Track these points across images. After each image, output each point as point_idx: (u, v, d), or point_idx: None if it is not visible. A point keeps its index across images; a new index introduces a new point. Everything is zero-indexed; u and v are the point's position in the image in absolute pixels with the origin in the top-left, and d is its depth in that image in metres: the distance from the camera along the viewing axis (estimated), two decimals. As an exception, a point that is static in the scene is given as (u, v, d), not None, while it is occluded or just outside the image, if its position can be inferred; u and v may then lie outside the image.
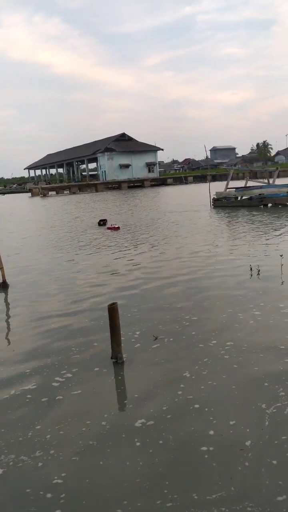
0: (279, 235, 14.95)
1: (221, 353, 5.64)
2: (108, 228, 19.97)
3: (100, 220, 22.87)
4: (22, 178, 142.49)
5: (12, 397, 4.88)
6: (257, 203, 26.20)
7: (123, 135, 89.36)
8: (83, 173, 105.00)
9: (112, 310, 5.58)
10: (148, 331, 6.57)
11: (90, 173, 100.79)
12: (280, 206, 25.31)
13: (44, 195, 67.14)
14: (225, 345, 5.90)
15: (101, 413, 4.46)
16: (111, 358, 5.62)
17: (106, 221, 22.67)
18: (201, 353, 5.70)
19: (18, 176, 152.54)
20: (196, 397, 4.56)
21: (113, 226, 20.29)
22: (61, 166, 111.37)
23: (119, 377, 5.26)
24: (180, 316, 7.20)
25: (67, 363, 5.67)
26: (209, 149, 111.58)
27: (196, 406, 4.38)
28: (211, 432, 3.91)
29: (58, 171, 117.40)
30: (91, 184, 76.66)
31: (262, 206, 25.90)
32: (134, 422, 4.16)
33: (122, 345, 5.72)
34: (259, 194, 26.58)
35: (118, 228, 19.80)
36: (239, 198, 28.11)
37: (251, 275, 9.32)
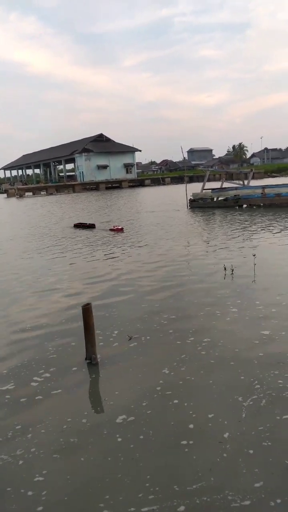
0: (253, 235, 15.26)
1: (198, 349, 5.77)
2: (111, 230, 18.83)
3: (81, 223, 21.87)
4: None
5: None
6: (232, 204, 26.64)
7: (101, 135, 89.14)
8: (60, 174, 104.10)
9: (86, 310, 5.58)
10: (125, 331, 6.61)
11: (68, 173, 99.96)
12: (254, 207, 25.81)
13: (21, 196, 66.24)
14: (202, 342, 6.03)
15: (81, 411, 4.50)
16: (85, 359, 5.62)
17: (94, 225, 21.05)
18: (179, 350, 5.80)
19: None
20: (175, 393, 4.64)
21: (116, 227, 19.09)
22: (37, 166, 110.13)
23: (96, 377, 5.27)
24: (158, 315, 7.27)
25: (44, 363, 5.65)
26: (186, 150, 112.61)
27: (175, 401, 4.47)
28: (191, 426, 4.00)
29: (35, 172, 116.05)
30: (68, 185, 76.11)
31: (237, 207, 26.35)
32: (114, 419, 4.20)
33: (101, 344, 5.76)
34: (235, 195, 27.04)
35: (122, 229, 18.74)
36: (215, 199, 28.52)
37: (225, 274, 9.51)
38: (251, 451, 3.57)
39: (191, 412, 4.23)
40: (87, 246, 15.22)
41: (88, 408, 4.53)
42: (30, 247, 16.11)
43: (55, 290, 9.45)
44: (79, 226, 21.43)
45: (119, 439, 3.87)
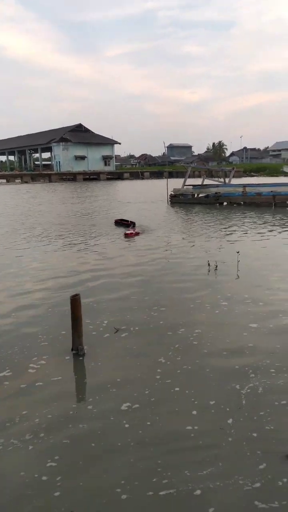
0: (234, 232, 15.61)
1: (190, 340, 5.95)
2: (126, 235, 14.76)
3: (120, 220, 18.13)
4: None
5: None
6: (213, 201, 27.02)
7: (80, 126, 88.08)
8: (36, 163, 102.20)
9: (74, 301, 5.61)
10: (116, 322, 6.66)
11: (44, 162, 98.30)
12: (235, 205, 26.28)
13: (-6, 183, 64.80)
14: (194, 332, 6.22)
15: (86, 398, 4.59)
16: (72, 350, 5.59)
17: (133, 224, 16.80)
18: (171, 340, 5.96)
19: None
20: (174, 381, 4.79)
21: (131, 231, 15.07)
22: (12, 153, 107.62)
23: (93, 366, 5.29)
24: (147, 307, 7.39)
25: (37, 350, 5.67)
26: (166, 146, 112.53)
27: (177, 389, 4.62)
28: (194, 412, 4.16)
29: (9, 159, 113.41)
30: (44, 174, 74.81)
31: (218, 204, 26.75)
32: (119, 406, 4.29)
33: (94, 333, 5.86)
34: (216, 193, 27.42)
35: (138, 233, 15.15)
36: (196, 196, 28.85)
37: (209, 270, 9.74)
38: (254, 434, 3.76)
39: (193, 399, 4.39)
40: (71, 236, 15.17)
41: (92, 396, 4.60)
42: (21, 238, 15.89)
43: (43, 275, 9.44)
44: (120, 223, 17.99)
45: (126, 425, 3.98)
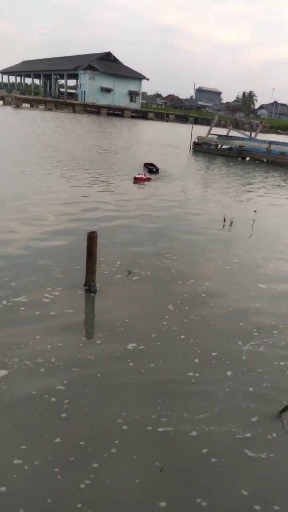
0: (254, 190, 15.36)
1: (199, 292, 6.10)
2: (136, 180, 14.13)
3: (147, 164, 17.17)
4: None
5: (5, 308, 5.05)
6: (236, 155, 26.30)
7: (109, 54, 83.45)
8: (61, 89, 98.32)
9: (91, 238, 5.70)
10: (128, 264, 6.77)
11: (69, 90, 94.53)
12: (257, 161, 25.58)
13: (17, 106, 62.85)
14: (203, 285, 6.36)
15: (95, 333, 4.83)
16: (84, 285, 5.75)
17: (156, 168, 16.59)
18: (181, 289, 6.10)
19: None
20: (180, 329, 4.98)
21: (141, 175, 14.47)
22: (38, 76, 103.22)
23: (104, 304, 5.48)
24: (161, 253, 7.52)
25: (51, 281, 5.85)
26: (195, 88, 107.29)
27: (182, 336, 4.82)
28: (196, 360, 4.37)
29: (34, 82, 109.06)
30: (68, 103, 72.22)
31: (240, 158, 26.06)
32: (126, 345, 4.52)
33: (106, 272, 6.04)
34: (240, 146, 26.60)
35: (149, 179, 14.60)
36: (219, 147, 28.03)
37: (224, 225, 9.75)
38: (251, 389, 3.99)
39: (196, 348, 4.60)
40: (91, 171, 15.01)
41: (100, 332, 4.82)
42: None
43: (61, 210, 9.51)
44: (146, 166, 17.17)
45: (131, 364, 4.22)
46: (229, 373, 4.21)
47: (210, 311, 5.56)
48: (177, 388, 3.93)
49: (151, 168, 16.52)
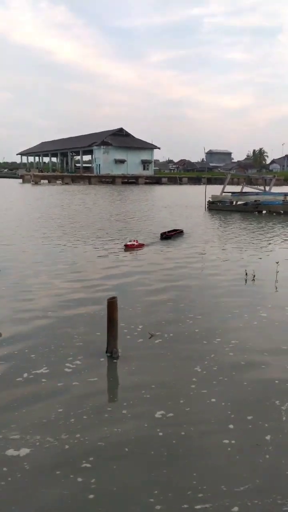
0: (273, 242, 15.24)
1: (226, 350, 5.82)
2: (127, 246, 13.40)
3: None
4: (14, 163, 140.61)
5: (26, 380, 4.91)
6: (252, 209, 26.54)
7: (121, 130, 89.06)
8: (77, 165, 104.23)
9: (111, 304, 5.63)
10: (150, 327, 6.61)
11: (84, 165, 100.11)
12: (274, 214, 25.70)
13: (36, 183, 66.55)
14: (230, 343, 6.08)
15: (120, 402, 4.61)
16: (106, 352, 5.60)
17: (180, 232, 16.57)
18: (207, 349, 5.85)
19: (9, 161, 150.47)
20: (210, 392, 4.69)
21: (132, 243, 13.62)
22: (55, 155, 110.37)
23: (127, 370, 5.29)
24: (183, 314, 7.34)
25: (72, 350, 5.72)
26: (205, 152, 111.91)
27: (213, 400, 4.53)
28: (231, 426, 4.05)
29: (52, 160, 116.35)
30: (84, 176, 76.13)
31: (257, 212, 26.26)
32: (153, 413, 4.25)
33: (128, 337, 5.88)
34: (255, 201, 26.92)
35: (142, 245, 13.84)
36: (234, 203, 28.45)
37: (246, 280, 9.55)
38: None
39: (229, 413, 4.29)
40: (108, 235, 15.30)
41: (127, 400, 4.58)
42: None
43: (78, 276, 9.56)
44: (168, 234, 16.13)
45: (160, 433, 3.93)
46: (268, 437, 3.86)
47: (241, 370, 5.26)
48: (212, 459, 3.60)
49: (169, 235, 15.76)
